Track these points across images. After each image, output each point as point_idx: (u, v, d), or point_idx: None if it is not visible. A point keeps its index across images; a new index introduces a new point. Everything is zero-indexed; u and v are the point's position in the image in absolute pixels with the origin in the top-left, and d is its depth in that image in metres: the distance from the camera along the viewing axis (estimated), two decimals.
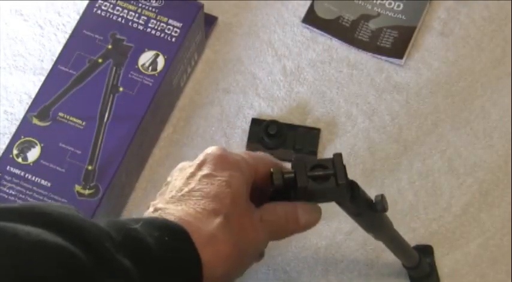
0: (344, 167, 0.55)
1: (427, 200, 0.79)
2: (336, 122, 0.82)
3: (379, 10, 0.88)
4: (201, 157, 0.56)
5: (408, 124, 0.82)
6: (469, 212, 0.78)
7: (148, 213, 0.54)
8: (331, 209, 0.78)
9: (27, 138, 0.74)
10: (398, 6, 0.88)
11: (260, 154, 0.59)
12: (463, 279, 0.75)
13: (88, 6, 0.80)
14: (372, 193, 0.78)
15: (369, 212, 0.61)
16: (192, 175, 0.55)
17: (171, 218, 0.51)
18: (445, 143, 0.81)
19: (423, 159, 0.80)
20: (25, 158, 0.73)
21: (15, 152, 0.73)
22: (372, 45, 0.86)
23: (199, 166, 0.55)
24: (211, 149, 0.56)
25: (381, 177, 0.80)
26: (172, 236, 0.49)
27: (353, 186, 0.57)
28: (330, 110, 0.83)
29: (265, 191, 0.58)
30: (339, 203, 0.59)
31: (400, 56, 0.85)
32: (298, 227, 0.57)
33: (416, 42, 0.86)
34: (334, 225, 0.77)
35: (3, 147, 0.74)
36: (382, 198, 0.60)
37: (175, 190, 0.54)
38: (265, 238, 0.56)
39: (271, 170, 0.56)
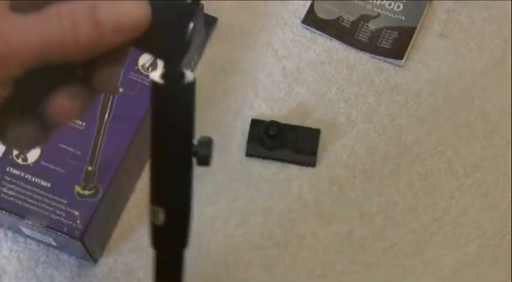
0: None
1: (426, 200, 0.79)
2: (336, 122, 0.82)
3: (379, 11, 0.88)
4: None
5: (408, 125, 0.82)
6: (468, 213, 0.78)
7: None
8: (330, 210, 0.78)
9: None
10: (398, 6, 0.88)
11: None
12: (463, 279, 0.75)
13: None
14: (371, 194, 0.79)
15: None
16: None
17: None
18: (444, 144, 0.81)
19: (423, 160, 0.80)
20: (25, 159, 0.73)
21: (15, 152, 0.73)
22: (371, 46, 0.86)
23: None
24: None
25: (381, 177, 0.80)
26: None
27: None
28: (329, 111, 0.83)
29: None
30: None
31: (400, 57, 0.85)
32: (97, 28, 0.36)
33: (416, 43, 0.86)
34: (333, 227, 0.77)
35: (3, 148, 0.74)
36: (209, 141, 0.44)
37: None
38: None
39: None
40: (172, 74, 0.40)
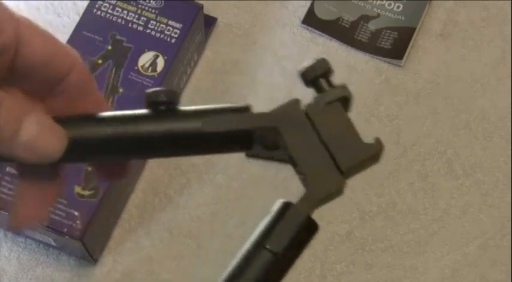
0: None
1: (426, 201, 0.79)
2: None
3: (378, 11, 0.88)
4: None
5: (408, 125, 0.82)
6: (468, 213, 0.78)
7: None
8: (329, 211, 0.78)
9: None
10: (398, 7, 0.88)
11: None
12: (463, 279, 0.75)
13: (88, 7, 0.80)
14: (371, 194, 0.79)
15: None
16: None
17: None
18: (444, 144, 0.81)
19: (422, 160, 0.80)
20: None
21: None
22: (371, 46, 0.86)
23: None
24: None
25: (380, 178, 0.80)
26: None
27: None
28: None
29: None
30: None
31: (400, 57, 0.85)
32: (12, 142, 0.35)
33: (415, 43, 0.86)
34: (333, 227, 0.77)
35: None
36: None
37: None
38: None
39: None
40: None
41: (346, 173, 0.41)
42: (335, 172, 0.41)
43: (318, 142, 0.41)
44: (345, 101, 0.42)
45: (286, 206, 0.41)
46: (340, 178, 0.41)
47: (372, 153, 0.43)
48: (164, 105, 0.40)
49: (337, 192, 0.42)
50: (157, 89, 0.40)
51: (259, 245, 0.41)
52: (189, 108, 0.41)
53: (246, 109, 0.41)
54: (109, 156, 0.40)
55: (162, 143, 0.40)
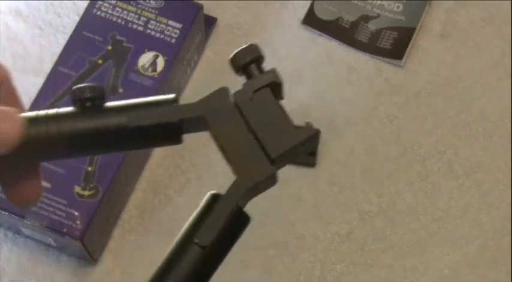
0: None
1: (426, 201, 0.79)
2: (336, 123, 0.82)
3: (378, 11, 0.88)
4: None
5: (407, 125, 0.82)
6: (469, 213, 0.78)
7: None
8: (329, 211, 0.78)
9: None
10: (398, 7, 0.88)
11: None
12: (463, 279, 0.75)
13: (88, 7, 0.80)
14: (371, 194, 0.79)
15: None
16: None
17: None
18: (444, 144, 0.81)
19: (422, 160, 0.80)
20: None
21: None
22: (371, 46, 0.86)
23: None
24: None
25: (380, 178, 0.80)
26: None
27: None
28: (329, 111, 0.83)
29: None
30: None
31: (400, 57, 0.85)
32: None
33: (415, 44, 0.86)
34: (333, 227, 0.77)
35: None
36: None
37: None
38: None
39: None
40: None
41: (276, 160, 0.40)
42: (264, 161, 0.40)
43: (247, 131, 0.40)
44: (275, 86, 0.41)
45: (214, 198, 0.40)
46: (269, 166, 0.40)
47: (304, 138, 0.41)
48: (90, 102, 0.39)
49: (267, 181, 0.40)
50: (83, 85, 0.39)
51: (188, 239, 0.40)
52: (116, 104, 0.40)
53: (173, 101, 0.40)
54: (34, 156, 0.39)
55: (89, 141, 0.39)
